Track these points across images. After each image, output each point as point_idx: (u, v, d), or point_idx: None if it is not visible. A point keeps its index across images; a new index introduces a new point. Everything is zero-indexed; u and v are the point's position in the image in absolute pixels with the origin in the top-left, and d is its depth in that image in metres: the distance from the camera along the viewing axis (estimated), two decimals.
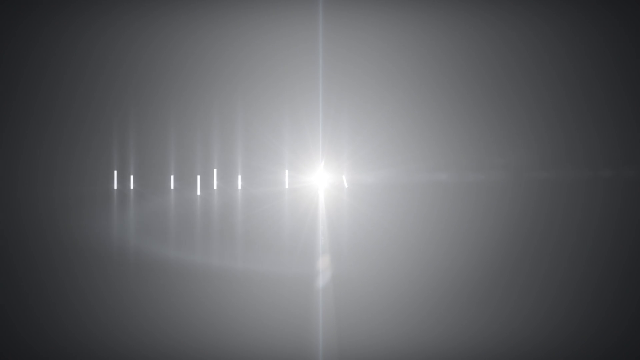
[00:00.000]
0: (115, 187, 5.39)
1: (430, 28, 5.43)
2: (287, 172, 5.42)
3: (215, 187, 5.43)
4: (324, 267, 5.40)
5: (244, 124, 5.42)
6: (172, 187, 5.41)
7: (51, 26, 5.39)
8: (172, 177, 5.40)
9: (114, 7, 5.40)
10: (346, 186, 5.41)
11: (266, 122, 5.42)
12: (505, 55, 5.43)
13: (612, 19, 5.40)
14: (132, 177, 5.40)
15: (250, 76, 5.44)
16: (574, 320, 5.38)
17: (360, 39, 5.44)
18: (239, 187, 5.42)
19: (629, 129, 5.39)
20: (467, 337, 5.38)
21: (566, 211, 5.40)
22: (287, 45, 5.43)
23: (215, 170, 5.43)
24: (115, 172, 5.39)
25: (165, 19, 5.41)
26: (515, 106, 5.43)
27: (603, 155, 5.40)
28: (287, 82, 5.42)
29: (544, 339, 5.37)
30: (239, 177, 5.42)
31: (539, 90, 5.42)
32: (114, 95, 5.40)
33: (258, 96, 5.43)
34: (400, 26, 5.44)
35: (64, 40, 5.40)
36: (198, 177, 5.43)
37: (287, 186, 5.43)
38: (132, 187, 5.41)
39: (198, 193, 5.43)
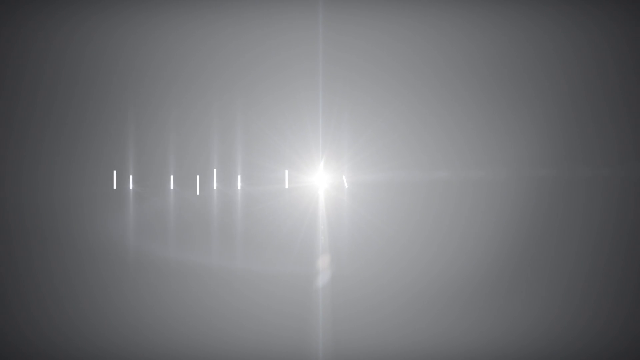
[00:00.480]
0: (114, 187, 5.37)
1: (431, 25, 5.39)
2: (287, 171, 5.41)
3: (214, 187, 5.42)
4: (323, 266, 5.41)
5: (244, 124, 5.39)
6: (172, 187, 5.39)
7: (51, 28, 5.33)
8: (172, 177, 5.38)
9: (109, 6, 5.34)
10: (346, 186, 5.40)
11: (266, 122, 5.39)
12: (507, 54, 5.41)
13: (614, 17, 5.38)
14: (131, 177, 5.38)
15: (250, 75, 5.40)
16: (573, 317, 5.43)
17: (361, 35, 5.40)
18: (239, 187, 5.40)
19: (630, 127, 5.39)
20: (466, 337, 5.42)
21: (566, 209, 5.41)
22: (288, 43, 5.38)
23: (214, 170, 5.41)
24: (115, 172, 5.36)
25: (162, 18, 5.35)
26: (515, 104, 5.42)
27: (602, 154, 5.41)
28: (288, 82, 5.39)
29: (541, 335, 5.42)
30: (239, 177, 5.40)
31: (539, 87, 5.41)
32: (114, 95, 5.36)
33: (258, 95, 5.40)
34: (400, 24, 5.40)
35: (67, 43, 5.34)
36: (197, 177, 5.41)
37: (287, 186, 5.42)
38: (131, 187, 5.38)
39: (197, 193, 5.41)
